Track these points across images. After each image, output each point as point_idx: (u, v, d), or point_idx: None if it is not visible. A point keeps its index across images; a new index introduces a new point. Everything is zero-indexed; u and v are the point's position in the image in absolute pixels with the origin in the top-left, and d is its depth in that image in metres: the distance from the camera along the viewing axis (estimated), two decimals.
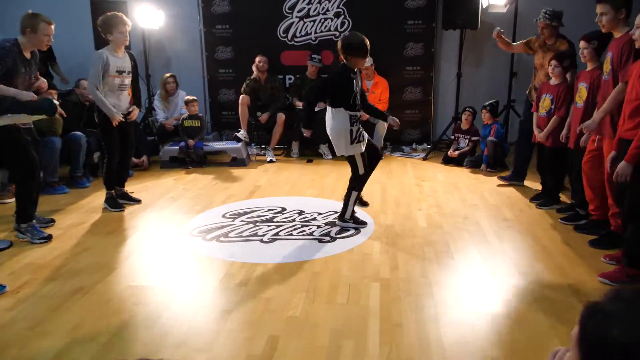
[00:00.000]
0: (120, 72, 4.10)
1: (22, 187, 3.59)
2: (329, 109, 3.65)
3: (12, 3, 6.44)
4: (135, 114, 4.45)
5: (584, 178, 3.62)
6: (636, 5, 3.06)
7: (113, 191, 4.42)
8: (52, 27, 3.51)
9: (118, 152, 4.31)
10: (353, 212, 3.84)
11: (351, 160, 3.70)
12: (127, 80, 4.23)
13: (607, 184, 3.29)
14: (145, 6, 6.39)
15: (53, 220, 3.99)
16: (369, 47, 3.51)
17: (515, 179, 5.00)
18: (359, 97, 3.62)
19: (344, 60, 3.55)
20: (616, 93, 3.11)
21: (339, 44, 3.54)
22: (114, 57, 4.06)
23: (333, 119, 3.62)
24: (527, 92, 4.83)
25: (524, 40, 4.75)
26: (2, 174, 4.67)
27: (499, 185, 5.01)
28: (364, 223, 3.86)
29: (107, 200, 4.39)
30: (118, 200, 4.41)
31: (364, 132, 3.68)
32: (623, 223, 3.02)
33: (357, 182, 3.79)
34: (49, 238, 3.61)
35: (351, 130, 3.56)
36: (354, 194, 3.80)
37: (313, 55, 6.48)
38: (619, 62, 3.12)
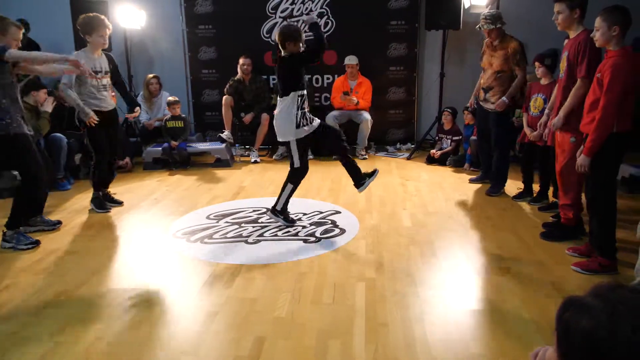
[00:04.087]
0: (96, 72, 3.99)
1: (26, 195, 3.51)
2: (278, 100, 3.72)
3: None
4: (137, 112, 4.51)
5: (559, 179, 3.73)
6: (595, 8, 3.12)
7: (100, 192, 4.37)
8: (21, 32, 3.48)
9: (107, 152, 4.26)
10: (285, 206, 3.87)
11: (289, 149, 3.77)
12: (105, 81, 4.17)
13: (558, 176, 3.49)
14: (126, 6, 6.33)
15: (60, 222, 3.94)
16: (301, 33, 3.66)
17: (485, 178, 5.03)
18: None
19: (284, 51, 3.62)
20: (576, 89, 3.25)
21: (279, 37, 3.62)
22: (88, 58, 3.99)
23: (280, 107, 3.69)
24: (474, 92, 4.91)
25: (481, 62, 4.81)
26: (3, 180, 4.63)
27: (470, 182, 5.09)
28: (293, 221, 3.89)
29: (93, 201, 4.34)
30: (104, 201, 4.37)
31: (310, 115, 3.75)
32: (590, 215, 3.15)
33: (293, 175, 3.82)
34: (36, 243, 3.52)
35: (297, 115, 3.63)
36: (289, 186, 3.82)
37: None
38: (575, 59, 3.27)
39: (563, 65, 3.42)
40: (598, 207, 3.01)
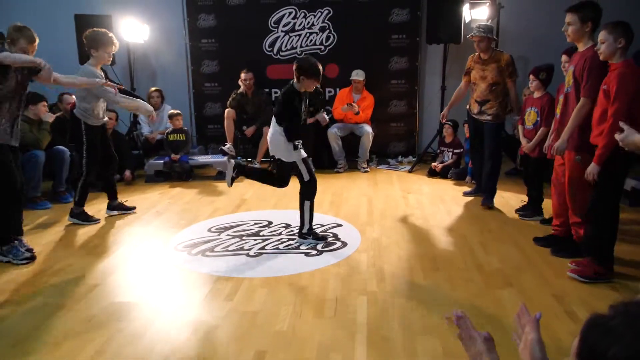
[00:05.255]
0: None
1: (5, 210, 3.45)
2: (273, 119, 3.68)
3: None
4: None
5: (553, 192, 3.71)
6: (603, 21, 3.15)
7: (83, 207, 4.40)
8: (35, 44, 3.49)
9: (97, 169, 4.32)
10: (311, 225, 3.79)
11: (294, 168, 3.70)
12: None
13: (567, 194, 3.41)
14: (130, 20, 6.39)
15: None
16: (321, 73, 3.57)
17: (479, 191, 5.02)
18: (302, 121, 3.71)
19: (296, 80, 3.57)
20: (578, 109, 3.19)
21: (295, 64, 3.57)
22: (97, 72, 4.08)
23: (274, 127, 3.66)
24: (467, 106, 4.93)
25: (464, 77, 4.85)
26: None
27: (464, 195, 5.10)
28: (323, 238, 3.81)
29: (77, 216, 4.35)
30: (88, 213, 4.41)
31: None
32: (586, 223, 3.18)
33: (306, 191, 3.73)
34: (31, 259, 3.48)
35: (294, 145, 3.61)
36: (307, 204, 3.73)
37: None
38: (580, 76, 3.22)
39: (569, 78, 3.36)
40: (599, 214, 3.03)
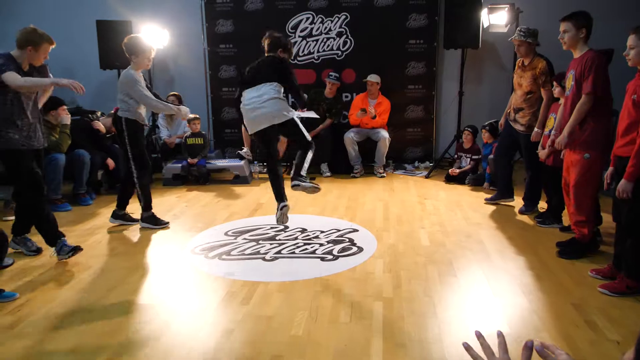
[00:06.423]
0: (147, 88, 4.21)
1: (33, 206, 3.53)
2: (256, 88, 3.68)
3: (16, 21, 6.53)
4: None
5: (566, 196, 3.71)
6: (626, 25, 3.13)
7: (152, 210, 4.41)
8: (52, 47, 3.50)
9: (148, 166, 4.34)
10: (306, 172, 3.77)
11: (293, 128, 3.69)
12: None
13: (573, 193, 3.47)
14: (150, 26, 6.48)
15: (40, 249, 3.73)
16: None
17: (500, 198, 5.00)
18: None
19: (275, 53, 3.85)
20: (580, 105, 3.30)
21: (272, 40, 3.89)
22: (139, 76, 4.17)
23: (265, 91, 3.64)
24: (505, 113, 4.88)
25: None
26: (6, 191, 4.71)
27: (485, 202, 5.05)
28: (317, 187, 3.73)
29: (147, 220, 4.37)
30: (158, 218, 4.41)
31: None
32: (620, 236, 3.09)
33: (308, 147, 3.73)
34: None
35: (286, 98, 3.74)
36: (309, 153, 3.73)
37: (330, 73, 6.53)
38: (581, 77, 3.32)
39: (569, 83, 3.47)
40: (637, 231, 2.89)
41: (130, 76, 4.08)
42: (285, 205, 3.78)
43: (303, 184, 3.65)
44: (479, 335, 1.21)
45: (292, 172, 3.77)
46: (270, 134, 3.75)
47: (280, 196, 3.84)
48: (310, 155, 3.74)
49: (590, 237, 3.53)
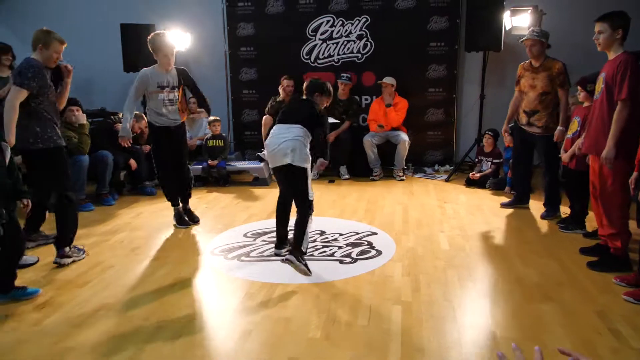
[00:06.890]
0: (161, 87, 4.14)
1: (67, 211, 3.54)
2: (287, 126, 3.48)
3: (42, 25, 6.68)
4: (203, 115, 4.73)
5: (593, 202, 3.60)
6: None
7: (178, 206, 4.51)
8: (64, 46, 3.50)
9: (168, 166, 4.36)
10: (307, 247, 3.43)
11: (300, 177, 3.41)
12: (172, 95, 4.21)
13: (601, 204, 3.36)
14: (173, 29, 6.57)
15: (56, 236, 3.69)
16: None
17: (517, 203, 4.94)
18: None
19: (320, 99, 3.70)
20: (619, 113, 3.15)
21: (309, 88, 3.70)
22: (156, 74, 4.14)
23: (294, 132, 3.42)
24: (507, 118, 4.83)
25: (516, 86, 4.70)
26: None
27: (501, 206, 5.00)
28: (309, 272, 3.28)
29: (174, 216, 4.51)
30: (183, 215, 4.50)
31: None
32: None
33: (307, 210, 3.42)
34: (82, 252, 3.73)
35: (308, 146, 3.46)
36: (310, 219, 3.42)
37: (342, 74, 6.53)
38: (612, 80, 3.18)
39: (599, 86, 3.34)
40: None
41: (140, 73, 4.11)
42: (289, 260, 3.28)
43: (296, 262, 3.23)
44: (515, 348, 1.22)
45: (291, 242, 3.52)
46: (284, 174, 3.51)
47: (280, 240, 3.72)
48: (310, 224, 3.41)
49: (624, 251, 3.35)
